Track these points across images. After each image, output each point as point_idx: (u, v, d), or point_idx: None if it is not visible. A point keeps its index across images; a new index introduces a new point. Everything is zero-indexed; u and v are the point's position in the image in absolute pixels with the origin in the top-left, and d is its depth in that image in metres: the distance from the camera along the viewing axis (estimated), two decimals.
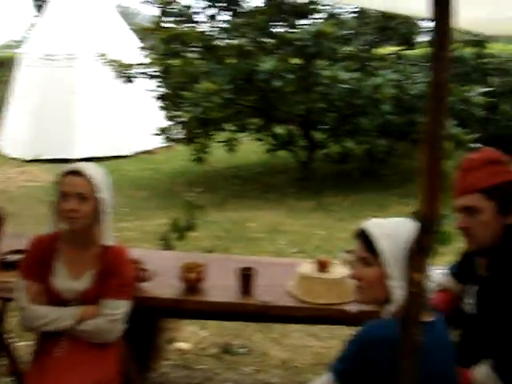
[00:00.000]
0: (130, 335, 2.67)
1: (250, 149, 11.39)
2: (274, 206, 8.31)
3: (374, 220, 1.97)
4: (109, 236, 2.60)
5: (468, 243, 2.19)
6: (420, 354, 1.35)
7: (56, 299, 2.57)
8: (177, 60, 9.60)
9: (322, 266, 2.82)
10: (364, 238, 1.92)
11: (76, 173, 2.52)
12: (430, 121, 1.15)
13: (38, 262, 2.57)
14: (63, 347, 2.50)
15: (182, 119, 9.23)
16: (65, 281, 2.58)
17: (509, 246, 2.10)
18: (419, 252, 1.24)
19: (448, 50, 1.14)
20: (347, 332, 2.07)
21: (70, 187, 2.51)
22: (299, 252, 6.19)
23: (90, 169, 2.55)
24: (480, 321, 2.15)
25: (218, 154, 9.70)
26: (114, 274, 2.58)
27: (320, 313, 2.75)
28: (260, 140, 10.13)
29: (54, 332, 2.52)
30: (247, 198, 8.95)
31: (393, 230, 1.88)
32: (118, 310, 2.55)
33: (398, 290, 1.78)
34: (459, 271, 2.48)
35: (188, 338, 4.18)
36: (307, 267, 2.87)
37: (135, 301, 2.64)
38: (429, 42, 9.46)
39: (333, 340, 4.16)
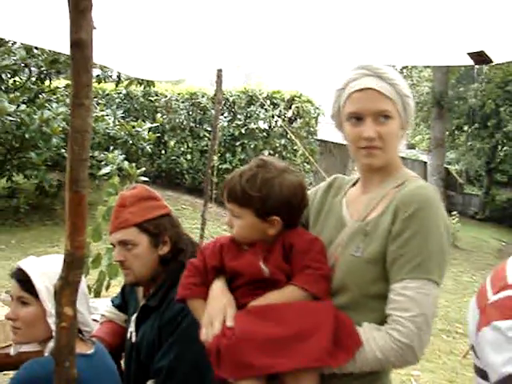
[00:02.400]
0: None
1: None
2: None
3: (30, 258, 1.97)
4: None
5: (126, 275, 2.30)
6: None
7: None
8: None
9: None
10: (20, 276, 1.90)
11: None
12: (72, 163, 1.22)
13: None
14: None
15: None
16: None
17: (163, 274, 2.28)
18: (66, 287, 1.28)
19: (87, 98, 1.22)
20: None
21: None
22: None
23: None
24: (139, 346, 2.28)
25: None
26: None
27: None
28: None
29: None
30: None
31: (48, 267, 1.90)
32: None
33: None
34: (122, 302, 2.60)
35: None
36: None
37: None
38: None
39: None
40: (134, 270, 2.25)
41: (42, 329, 1.88)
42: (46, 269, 1.89)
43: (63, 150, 9.05)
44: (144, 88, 9.93)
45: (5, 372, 3.99)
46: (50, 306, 1.84)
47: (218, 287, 1.72)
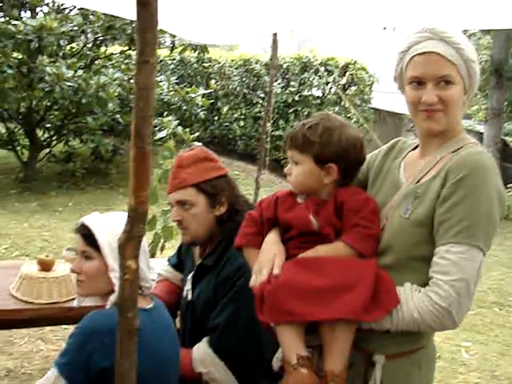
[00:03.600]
0: None
1: None
2: None
3: (93, 214, 2.03)
4: None
5: (183, 235, 2.36)
6: (139, 338, 1.44)
7: None
8: None
9: (45, 266, 2.79)
10: (84, 232, 1.97)
11: None
12: (136, 120, 1.25)
13: None
14: None
15: None
16: None
17: (219, 234, 2.32)
18: (130, 241, 1.33)
19: (152, 56, 1.24)
20: None
21: None
22: (22, 255, 5.96)
23: None
24: (195, 304, 2.34)
25: None
26: None
27: (44, 312, 2.72)
28: None
29: None
30: None
31: (111, 223, 1.96)
32: None
33: (118, 280, 1.87)
34: (178, 261, 2.66)
35: None
36: (29, 267, 2.82)
37: None
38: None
39: (62, 342, 4.10)
40: (191, 230, 2.31)
41: (104, 282, 1.95)
42: (108, 225, 1.95)
43: (118, 116, 9.21)
44: (198, 54, 9.93)
45: (64, 326, 4.18)
46: (111, 260, 1.91)
47: (271, 238, 1.81)
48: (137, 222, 1.33)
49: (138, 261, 1.37)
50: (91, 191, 9.19)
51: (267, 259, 1.74)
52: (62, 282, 2.74)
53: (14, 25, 8.22)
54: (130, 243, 1.34)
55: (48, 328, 4.24)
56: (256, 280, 1.73)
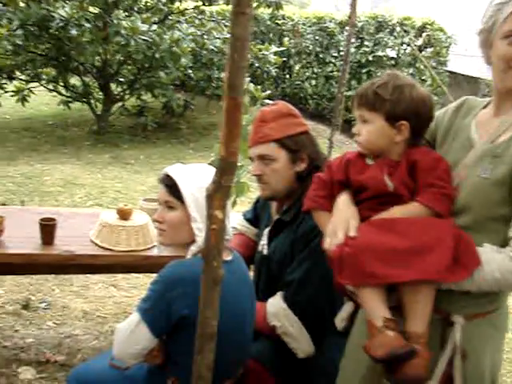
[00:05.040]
0: None
1: (42, 100, 10.85)
2: (69, 160, 8.06)
3: (177, 165, 2.06)
4: None
5: (262, 189, 2.37)
6: (221, 288, 1.47)
7: None
8: None
9: (123, 214, 2.86)
10: (167, 182, 2.00)
11: None
12: (230, 70, 1.25)
13: None
14: None
15: None
16: None
17: (298, 190, 2.32)
18: (218, 191, 1.34)
19: (248, 7, 1.23)
20: (147, 281, 2.13)
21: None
22: (96, 205, 6.13)
23: None
24: (271, 258, 2.37)
25: (7, 104, 9.23)
26: None
27: (122, 259, 2.80)
28: (53, 91, 9.66)
29: None
30: (41, 151, 8.55)
31: (195, 174, 1.98)
32: None
33: (200, 231, 1.91)
34: (253, 216, 2.69)
35: None
36: (108, 216, 2.90)
37: None
38: None
39: (134, 289, 4.25)
40: (271, 185, 2.32)
41: (186, 232, 1.98)
42: (192, 176, 1.98)
43: (190, 71, 9.25)
44: (272, 11, 9.82)
45: (136, 275, 4.32)
46: (194, 211, 1.94)
47: (343, 200, 1.79)
48: (226, 172, 1.34)
49: (225, 211, 1.38)
50: (162, 145, 9.34)
51: (341, 221, 1.72)
52: (140, 231, 2.80)
53: None
54: (218, 193, 1.36)
55: (120, 276, 4.39)
56: (330, 242, 1.71)
